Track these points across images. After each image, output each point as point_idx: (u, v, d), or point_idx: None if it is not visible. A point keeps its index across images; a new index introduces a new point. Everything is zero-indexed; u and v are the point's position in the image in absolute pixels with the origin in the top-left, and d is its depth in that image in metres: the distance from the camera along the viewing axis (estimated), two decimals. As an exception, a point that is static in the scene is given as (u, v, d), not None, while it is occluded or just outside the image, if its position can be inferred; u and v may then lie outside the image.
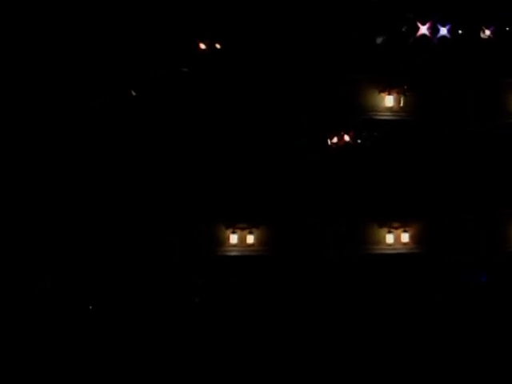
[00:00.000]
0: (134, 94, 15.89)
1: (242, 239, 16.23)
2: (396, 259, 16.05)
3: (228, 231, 16.26)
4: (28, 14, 14.31)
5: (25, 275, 13.95)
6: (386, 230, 16.14)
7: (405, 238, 16.09)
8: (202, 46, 15.20)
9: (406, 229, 16.11)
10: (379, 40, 15.74)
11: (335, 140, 16.08)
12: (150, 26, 14.98)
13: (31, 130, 15.00)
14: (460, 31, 15.39)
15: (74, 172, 15.32)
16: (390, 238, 16.09)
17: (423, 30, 15.30)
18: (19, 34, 14.51)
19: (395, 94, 16.03)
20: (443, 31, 15.34)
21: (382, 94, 16.06)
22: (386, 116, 16.07)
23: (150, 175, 15.90)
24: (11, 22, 14.29)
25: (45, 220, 15.11)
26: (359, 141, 16.03)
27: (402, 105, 16.02)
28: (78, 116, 15.10)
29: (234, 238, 16.23)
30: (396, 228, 16.14)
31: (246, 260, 16.18)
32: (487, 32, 15.32)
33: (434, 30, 15.31)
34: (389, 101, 16.03)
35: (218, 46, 15.45)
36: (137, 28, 15.01)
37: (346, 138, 16.03)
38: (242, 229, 16.28)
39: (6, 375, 9.06)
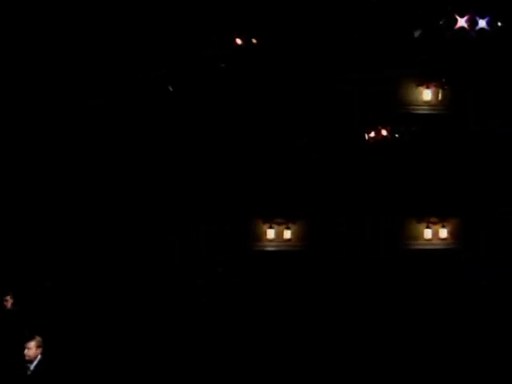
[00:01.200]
0: (170, 89, 15.96)
1: (279, 234, 16.24)
2: (434, 255, 15.90)
3: (265, 226, 16.28)
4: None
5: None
6: (424, 225, 16.01)
7: (443, 233, 15.94)
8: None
9: (445, 224, 15.97)
10: (417, 33, 15.54)
11: (373, 135, 15.96)
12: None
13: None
14: (499, 23, 15.08)
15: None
16: (428, 234, 15.95)
17: (461, 22, 15.05)
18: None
19: (433, 88, 15.86)
20: (482, 23, 15.06)
21: (420, 88, 15.91)
22: (424, 110, 15.92)
23: (187, 171, 15.98)
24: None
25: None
26: (397, 135, 15.88)
27: (440, 98, 15.85)
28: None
29: (270, 233, 16.25)
30: (434, 223, 16.00)
31: (282, 255, 16.17)
32: (527, 24, 15.02)
33: (472, 22, 15.04)
34: (426, 95, 15.87)
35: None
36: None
37: (384, 132, 15.90)
38: (279, 224, 16.28)
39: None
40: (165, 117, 15.68)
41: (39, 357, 8.90)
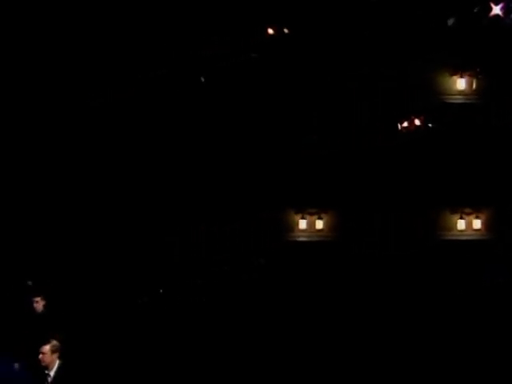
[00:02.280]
0: (202, 80, 15.99)
1: (311, 224, 16.17)
2: (467, 246, 15.72)
3: (297, 216, 16.23)
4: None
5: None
6: (457, 215, 15.82)
7: (477, 224, 15.74)
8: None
9: (478, 215, 15.76)
10: (451, 21, 15.32)
11: (406, 124, 15.79)
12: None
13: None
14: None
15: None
16: (461, 224, 15.77)
17: (496, 10, 14.79)
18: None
19: (467, 77, 15.60)
20: (517, 11, 14.79)
21: (454, 77, 15.67)
22: (458, 100, 15.69)
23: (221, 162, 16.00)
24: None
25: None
26: (430, 125, 15.69)
27: (474, 88, 15.59)
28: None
29: (302, 223, 16.19)
30: (468, 214, 15.80)
31: (314, 246, 16.12)
32: None
33: (507, 10, 14.78)
34: (461, 84, 15.63)
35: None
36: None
37: (417, 122, 15.72)
38: (312, 214, 16.21)
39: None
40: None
41: (57, 362, 8.87)
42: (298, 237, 16.22)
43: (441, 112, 15.71)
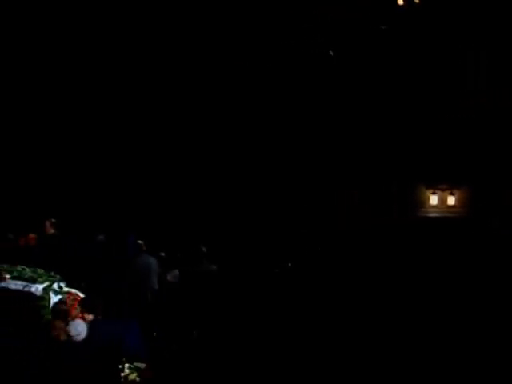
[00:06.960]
0: (331, 53, 15.80)
1: (443, 200, 15.82)
2: None
3: (428, 192, 15.92)
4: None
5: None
6: None
7: None
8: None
9: None
10: None
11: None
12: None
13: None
14: None
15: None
16: None
17: None
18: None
19: None
20: None
21: None
22: None
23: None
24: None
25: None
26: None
27: None
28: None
29: (434, 199, 15.87)
30: None
31: (445, 222, 15.74)
32: None
33: None
34: None
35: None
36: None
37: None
38: (443, 189, 15.86)
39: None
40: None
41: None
42: (429, 212, 15.92)
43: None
